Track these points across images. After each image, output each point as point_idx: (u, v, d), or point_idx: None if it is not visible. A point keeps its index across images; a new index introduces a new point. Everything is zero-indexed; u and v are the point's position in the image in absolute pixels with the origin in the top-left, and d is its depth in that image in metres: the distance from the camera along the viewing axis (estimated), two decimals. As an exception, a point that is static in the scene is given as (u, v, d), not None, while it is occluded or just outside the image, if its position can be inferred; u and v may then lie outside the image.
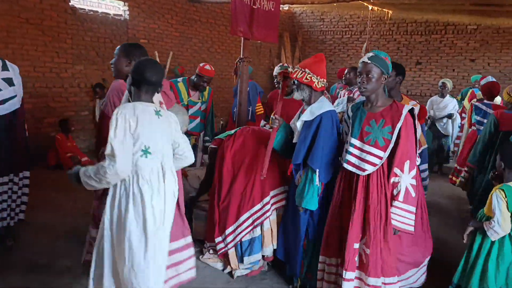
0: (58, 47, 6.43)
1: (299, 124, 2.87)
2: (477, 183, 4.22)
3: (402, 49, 10.55)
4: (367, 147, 2.46)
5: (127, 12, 7.42)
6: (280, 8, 11.04)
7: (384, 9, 9.73)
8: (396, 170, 2.41)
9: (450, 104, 6.65)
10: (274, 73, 4.13)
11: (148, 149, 2.08)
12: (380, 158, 2.43)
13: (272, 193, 3.27)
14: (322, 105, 2.81)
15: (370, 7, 9.35)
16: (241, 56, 4.92)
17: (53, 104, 6.52)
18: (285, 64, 3.89)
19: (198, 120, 5.00)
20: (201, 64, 4.71)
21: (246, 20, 4.81)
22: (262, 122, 4.52)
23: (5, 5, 5.68)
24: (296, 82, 2.83)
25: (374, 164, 2.44)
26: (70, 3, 6.51)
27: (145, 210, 2.07)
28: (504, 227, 2.32)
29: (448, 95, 6.75)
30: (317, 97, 2.84)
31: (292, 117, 3.40)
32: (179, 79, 4.75)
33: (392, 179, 2.42)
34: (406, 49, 10.50)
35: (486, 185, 3.92)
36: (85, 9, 6.83)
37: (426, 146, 3.40)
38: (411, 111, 2.48)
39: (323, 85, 2.83)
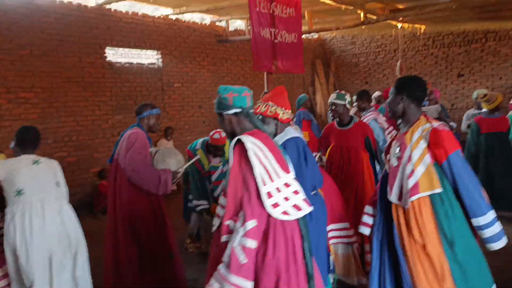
0: (98, 101, 6.82)
1: None
2: None
3: (440, 63, 10.14)
4: None
5: (160, 60, 7.78)
6: (310, 36, 11.18)
7: (416, 25, 9.49)
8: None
9: None
10: (329, 102, 3.93)
11: (21, 191, 2.78)
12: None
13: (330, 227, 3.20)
14: (285, 134, 2.72)
15: (399, 25, 9.16)
16: (266, 90, 4.95)
17: (96, 155, 6.85)
18: (342, 92, 3.85)
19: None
20: (211, 133, 4.13)
21: (268, 55, 4.86)
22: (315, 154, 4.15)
23: (48, 66, 6.16)
24: (260, 116, 2.73)
25: None
26: (107, 59, 6.94)
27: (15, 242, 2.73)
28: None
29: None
30: (283, 129, 2.75)
31: (348, 147, 3.74)
32: (197, 146, 4.22)
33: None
34: (445, 62, 10.08)
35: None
36: (121, 62, 7.24)
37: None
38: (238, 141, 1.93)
39: (288, 116, 2.75)
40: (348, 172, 3.74)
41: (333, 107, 3.83)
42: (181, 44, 8.09)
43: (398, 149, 2.30)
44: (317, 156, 3.90)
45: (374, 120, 4.56)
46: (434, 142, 2.15)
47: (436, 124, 2.22)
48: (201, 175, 4.12)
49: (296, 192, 1.91)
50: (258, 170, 1.80)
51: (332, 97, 3.84)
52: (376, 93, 8.34)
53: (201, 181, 4.10)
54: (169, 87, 7.90)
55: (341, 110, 3.79)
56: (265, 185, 1.79)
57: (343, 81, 11.64)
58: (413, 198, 2.14)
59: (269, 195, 1.79)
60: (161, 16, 7.78)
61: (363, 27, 7.93)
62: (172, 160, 3.28)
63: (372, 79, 11.16)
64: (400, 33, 9.66)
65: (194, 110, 8.39)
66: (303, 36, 10.42)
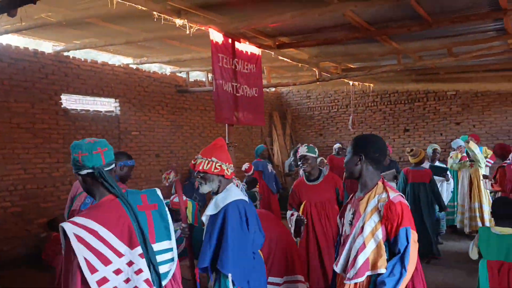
0: (49, 148, 6.55)
1: (204, 219, 2.57)
2: None
3: (388, 118, 10.84)
4: None
5: (118, 108, 7.70)
6: (268, 90, 11.60)
7: (366, 83, 10.19)
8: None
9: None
10: (300, 155, 3.73)
11: None
12: None
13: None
14: (227, 195, 2.51)
15: (351, 82, 9.80)
16: (227, 142, 5.02)
17: (43, 205, 6.46)
18: (311, 145, 3.75)
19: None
20: (171, 197, 4.28)
21: (230, 107, 4.99)
22: (289, 213, 3.91)
23: (-2, 112, 5.89)
24: (202, 174, 2.52)
25: None
26: (62, 106, 6.76)
27: None
28: (472, 255, 3.30)
29: (437, 161, 6.78)
30: (225, 186, 2.56)
31: (322, 202, 3.64)
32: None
33: None
34: (392, 118, 10.79)
35: None
36: (76, 109, 7.08)
37: None
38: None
39: (232, 171, 2.59)
40: (327, 227, 3.68)
41: (305, 161, 3.65)
42: (140, 93, 8.09)
43: (351, 216, 2.17)
44: (293, 217, 3.62)
45: None
46: (387, 217, 2.01)
47: (393, 194, 2.07)
48: None
49: (139, 272, 1.70)
50: (84, 257, 1.59)
51: (303, 150, 3.67)
52: (336, 145, 8.69)
53: None
54: (126, 135, 7.77)
55: (313, 163, 3.68)
56: (96, 271, 1.60)
57: (299, 133, 12.04)
58: (362, 278, 2.02)
59: (103, 280, 1.61)
60: (121, 65, 7.81)
61: (318, 83, 8.41)
62: None
63: (326, 131, 11.64)
64: (352, 90, 10.31)
65: (151, 158, 8.25)
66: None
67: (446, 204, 6.76)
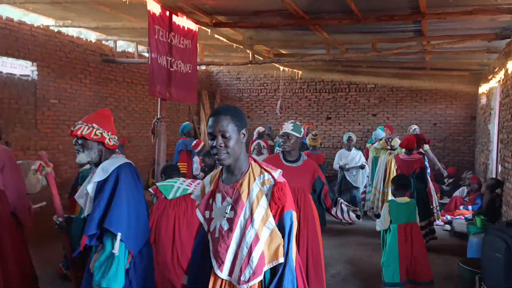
0: (-48, 110, 5.85)
1: (90, 189, 2.34)
2: None
3: (313, 105, 11.39)
4: None
5: (36, 73, 7.08)
6: (198, 68, 11.46)
7: (294, 70, 10.55)
8: None
9: (357, 156, 7.29)
10: (282, 132, 3.32)
11: None
12: None
13: None
14: (115, 160, 2.40)
15: (281, 68, 10.08)
16: (158, 116, 4.94)
17: None
18: (298, 123, 3.37)
19: None
20: None
21: (164, 82, 4.89)
22: None
23: None
24: (80, 141, 2.36)
25: None
26: (-32, 63, 6.05)
27: None
28: (384, 225, 4.04)
29: (353, 148, 7.37)
30: (107, 157, 2.43)
31: (294, 188, 2.84)
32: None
33: None
34: (317, 105, 11.35)
35: None
36: (-14, 70, 6.38)
37: None
38: None
39: (115, 142, 2.45)
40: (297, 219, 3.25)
41: (287, 139, 3.22)
42: (61, 58, 7.50)
43: (229, 207, 1.82)
44: None
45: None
46: (278, 200, 1.79)
47: (276, 174, 1.86)
48: None
49: None
50: None
51: (288, 128, 3.24)
52: (259, 128, 8.93)
53: None
54: (43, 103, 7.19)
55: (296, 145, 3.26)
56: None
57: (227, 114, 12.12)
58: (261, 276, 1.74)
59: None
60: (41, 26, 7.16)
61: (249, 65, 8.52)
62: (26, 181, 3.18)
63: (254, 114, 11.88)
64: (281, 75, 10.61)
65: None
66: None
67: (363, 187, 7.47)
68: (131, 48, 9.40)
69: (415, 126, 8.54)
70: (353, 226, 7.09)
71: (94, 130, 2.36)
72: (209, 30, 6.06)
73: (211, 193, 1.93)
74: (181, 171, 6.93)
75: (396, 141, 7.59)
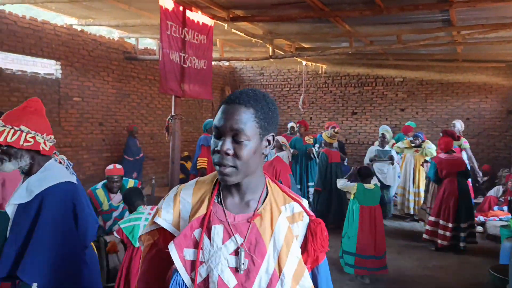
0: (-22, 109, 6.04)
1: (9, 210, 1.86)
2: (322, 199, 6.39)
3: (338, 100, 11.07)
4: None
5: (59, 71, 7.22)
6: (221, 64, 11.40)
7: (318, 64, 10.29)
8: None
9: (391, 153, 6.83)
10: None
11: None
12: None
13: None
14: (45, 177, 1.86)
15: (304, 62, 9.85)
16: (173, 114, 4.88)
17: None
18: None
19: None
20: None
21: (177, 79, 4.82)
22: None
23: None
24: (4, 148, 1.82)
25: None
26: (-6, 63, 6.23)
27: None
28: (344, 188, 4.88)
29: (387, 145, 6.95)
30: (42, 164, 1.90)
31: None
32: (99, 185, 4.20)
33: None
34: (342, 100, 11.03)
35: (328, 201, 6.30)
36: (11, 69, 6.55)
37: None
38: None
39: (52, 144, 1.94)
40: None
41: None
42: (84, 57, 7.62)
43: (242, 252, 1.17)
44: None
45: None
46: (320, 246, 1.22)
47: (304, 202, 1.28)
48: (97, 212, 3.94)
49: None
50: None
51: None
52: (291, 123, 8.80)
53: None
54: (67, 101, 7.33)
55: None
56: None
57: (250, 110, 12.00)
58: None
59: None
60: (64, 25, 7.28)
61: (272, 60, 8.35)
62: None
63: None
64: (304, 70, 10.37)
65: (94, 127, 7.88)
66: (215, 62, 10.62)
67: (395, 186, 7.11)
68: (154, 46, 9.45)
69: (456, 122, 7.86)
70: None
71: (24, 135, 1.81)
72: (225, 25, 5.95)
73: (201, 222, 1.21)
74: (200, 166, 6.99)
75: (428, 143, 7.06)
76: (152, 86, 9.19)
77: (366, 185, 4.59)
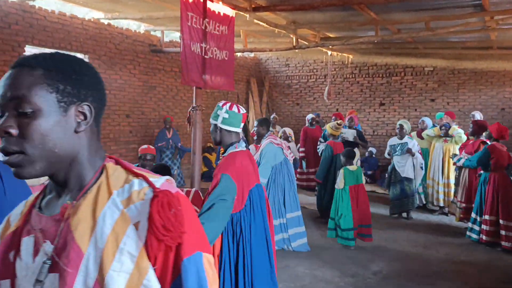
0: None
1: None
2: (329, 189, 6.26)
3: (365, 91, 10.83)
4: None
5: (87, 64, 7.40)
6: (246, 55, 11.37)
7: (344, 54, 10.08)
8: None
9: (409, 145, 6.56)
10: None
11: None
12: None
13: None
14: None
15: (329, 52, 9.67)
16: (194, 105, 4.91)
17: None
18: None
19: None
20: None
21: (198, 70, 4.84)
22: None
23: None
24: None
25: None
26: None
27: None
28: (339, 185, 5.24)
29: (407, 136, 6.71)
30: None
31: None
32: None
33: None
34: (369, 91, 10.78)
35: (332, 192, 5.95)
36: (42, 63, 6.77)
37: None
38: None
39: None
40: None
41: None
42: (111, 50, 7.79)
43: (46, 265, 0.82)
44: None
45: (271, 143, 4.83)
46: (161, 228, 0.80)
47: (158, 180, 0.88)
48: None
49: None
50: None
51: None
52: (309, 116, 8.69)
53: None
54: (95, 93, 7.52)
55: (215, 134, 2.65)
56: None
57: (276, 101, 11.95)
58: None
59: None
60: (92, 19, 7.45)
61: (297, 50, 8.24)
62: None
63: (303, 101, 11.59)
64: (330, 60, 10.19)
65: (121, 119, 8.06)
66: (239, 54, 10.61)
67: (420, 178, 6.85)
68: (178, 38, 9.52)
69: (474, 113, 7.64)
70: (404, 220, 6.65)
71: None
72: (247, 15, 5.91)
73: (12, 237, 0.91)
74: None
75: (455, 129, 6.91)
76: (177, 78, 9.29)
77: (350, 167, 5.30)
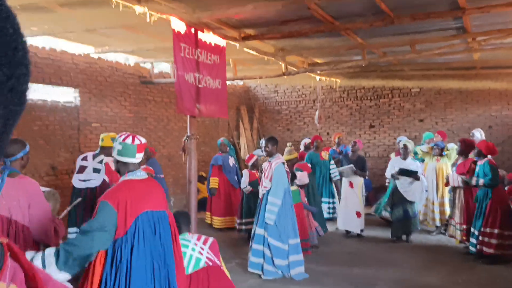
0: (2, 138, 6.20)
1: None
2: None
3: (354, 114, 10.97)
4: None
5: (78, 98, 7.40)
6: (235, 83, 11.49)
7: (332, 78, 10.27)
8: None
9: (413, 166, 6.53)
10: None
11: None
12: None
13: None
14: None
15: (318, 77, 9.84)
16: (188, 134, 4.91)
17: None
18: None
19: None
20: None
21: (192, 99, 4.86)
22: None
23: None
24: None
25: None
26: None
27: None
28: None
29: (410, 156, 6.64)
30: None
31: None
32: None
33: None
34: (359, 114, 10.93)
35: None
36: (32, 99, 6.73)
37: None
38: None
39: None
40: None
41: None
42: (102, 83, 7.80)
43: None
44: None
45: (282, 164, 4.81)
46: None
47: None
48: None
49: None
50: None
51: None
52: (306, 140, 8.72)
53: None
54: (86, 127, 7.48)
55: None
56: None
57: (267, 127, 12.01)
58: None
59: None
60: (82, 54, 7.50)
61: (286, 77, 8.37)
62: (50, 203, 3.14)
63: (293, 126, 11.67)
64: (318, 85, 10.36)
65: (113, 151, 7.98)
66: (229, 82, 10.71)
67: (422, 202, 6.85)
68: (168, 69, 9.62)
69: (475, 131, 7.72)
70: (402, 242, 6.58)
71: None
72: (237, 44, 6.01)
73: None
74: (211, 186, 7.11)
75: (453, 150, 6.84)
76: (168, 109, 9.31)
77: (292, 188, 5.39)
